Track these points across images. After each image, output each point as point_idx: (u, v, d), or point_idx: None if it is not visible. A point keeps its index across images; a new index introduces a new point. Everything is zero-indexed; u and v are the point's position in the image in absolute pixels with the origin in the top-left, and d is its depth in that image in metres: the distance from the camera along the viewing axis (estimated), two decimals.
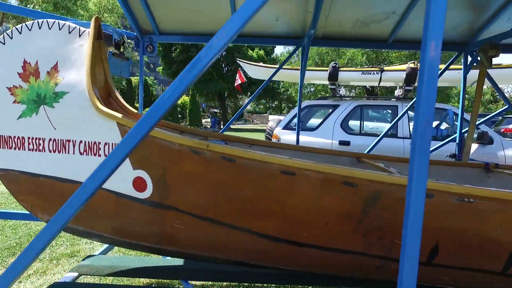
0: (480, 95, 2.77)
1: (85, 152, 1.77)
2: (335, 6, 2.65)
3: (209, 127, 25.35)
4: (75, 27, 1.79)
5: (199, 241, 1.82)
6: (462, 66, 3.11)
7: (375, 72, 5.76)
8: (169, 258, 2.38)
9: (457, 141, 3.31)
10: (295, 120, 6.14)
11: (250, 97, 3.23)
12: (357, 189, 1.56)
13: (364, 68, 5.87)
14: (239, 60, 6.39)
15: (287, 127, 6.10)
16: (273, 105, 34.71)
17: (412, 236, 0.80)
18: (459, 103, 2.82)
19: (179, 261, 2.20)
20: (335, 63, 5.85)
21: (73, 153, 1.76)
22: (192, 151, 1.62)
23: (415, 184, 0.80)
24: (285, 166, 1.59)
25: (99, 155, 1.75)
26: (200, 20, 2.86)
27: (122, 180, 1.73)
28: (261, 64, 6.72)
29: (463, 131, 3.30)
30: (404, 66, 5.52)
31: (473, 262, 1.58)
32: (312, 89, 24.65)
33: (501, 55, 2.67)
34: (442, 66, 3.69)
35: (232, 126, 28.15)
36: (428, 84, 0.73)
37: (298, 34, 3.02)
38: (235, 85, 6.59)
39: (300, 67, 3.17)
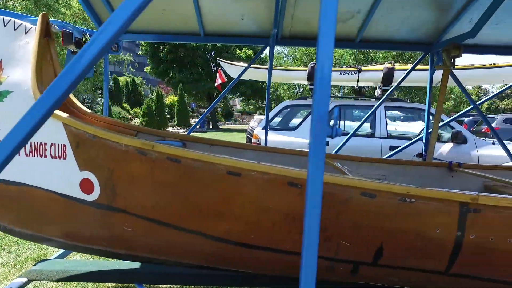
0: (443, 95, 2.79)
1: (30, 154, 1.72)
2: (300, 5, 2.64)
3: (198, 127, 25.20)
4: (21, 23, 1.74)
5: (150, 244, 1.79)
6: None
7: (353, 72, 5.79)
8: (126, 261, 2.34)
9: (423, 141, 3.34)
10: (275, 120, 6.13)
11: (217, 98, 3.19)
12: (302, 190, 1.55)
13: (342, 68, 5.89)
14: (219, 60, 6.36)
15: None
16: (263, 105, 34.77)
17: (310, 234, 0.78)
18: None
19: (136, 265, 2.16)
20: (313, 63, 5.86)
21: (19, 154, 1.71)
22: (139, 152, 1.59)
23: (310, 182, 0.79)
24: (231, 167, 1.57)
25: (45, 156, 1.70)
26: (165, 18, 2.82)
27: (69, 182, 1.69)
28: (241, 63, 6.69)
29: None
30: (381, 67, 5.57)
31: (418, 262, 1.58)
32: (301, 89, 24.75)
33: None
34: (409, 67, 3.75)
35: (221, 126, 28.06)
36: (321, 82, 0.72)
37: (266, 34, 3.01)
38: (216, 84, 6.54)
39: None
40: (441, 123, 5.09)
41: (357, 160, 2.67)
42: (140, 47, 23.92)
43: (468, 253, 1.49)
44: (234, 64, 6.29)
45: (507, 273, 1.51)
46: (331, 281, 1.81)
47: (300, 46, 3.19)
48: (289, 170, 1.56)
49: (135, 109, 25.11)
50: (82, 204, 1.69)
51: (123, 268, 2.10)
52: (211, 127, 26.01)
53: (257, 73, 6.46)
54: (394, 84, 5.57)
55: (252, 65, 7.07)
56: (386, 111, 5.65)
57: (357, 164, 2.66)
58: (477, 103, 3.17)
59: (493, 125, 12.27)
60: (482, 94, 34.92)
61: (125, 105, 26.32)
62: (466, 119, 15.76)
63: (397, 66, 5.88)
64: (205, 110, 33.41)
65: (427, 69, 5.50)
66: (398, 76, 5.72)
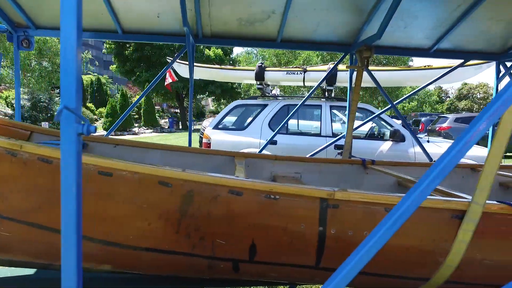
0: (357, 94, 2.88)
1: None
2: (214, 4, 2.64)
3: (166, 127, 24.74)
4: None
5: (30, 248, 1.71)
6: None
7: (298, 72, 5.88)
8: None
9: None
10: (226, 119, 6.12)
11: (138, 98, 3.12)
12: (172, 189, 1.54)
13: (288, 68, 5.97)
14: (169, 58, 6.24)
15: (217, 127, 6.06)
16: None
17: (67, 229, 0.76)
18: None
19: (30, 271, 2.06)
20: (261, 63, 5.90)
21: None
22: (8, 152, 1.52)
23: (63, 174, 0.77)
24: (102, 167, 1.53)
25: None
26: None
27: None
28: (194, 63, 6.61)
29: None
30: (325, 67, 5.70)
31: (289, 258, 1.61)
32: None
33: None
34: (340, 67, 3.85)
35: (194, 127, 27.62)
36: (65, 78, 0.70)
37: (184, 32, 2.98)
38: (165, 84, 6.42)
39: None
40: (380, 121, 5.27)
41: (272, 158, 2.70)
42: (105, 45, 23.11)
43: (332, 247, 1.53)
44: (183, 63, 6.21)
45: (369, 265, 1.56)
46: (216, 279, 1.81)
47: (220, 45, 3.19)
48: (160, 169, 1.54)
49: (100, 109, 24.21)
50: None
51: (13, 275, 2.00)
52: (180, 127, 25.59)
53: (207, 73, 6.41)
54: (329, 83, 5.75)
55: (197, 64, 7.03)
56: (331, 111, 5.77)
57: (271, 163, 2.69)
58: (394, 103, 3.31)
59: (445, 124, 12.90)
60: (443, 95, 36.78)
61: (90, 105, 25.33)
62: (423, 119, 16.53)
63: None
64: (176, 110, 32.87)
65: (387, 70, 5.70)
66: (342, 76, 5.87)
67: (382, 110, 3.79)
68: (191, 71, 3.04)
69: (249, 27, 2.91)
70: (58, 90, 16.21)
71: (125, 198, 1.56)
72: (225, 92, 25.67)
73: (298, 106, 3.69)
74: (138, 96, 26.59)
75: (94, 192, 1.53)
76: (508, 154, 12.54)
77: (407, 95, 4.02)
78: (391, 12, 2.41)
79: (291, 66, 6.22)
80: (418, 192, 1.03)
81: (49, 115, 14.96)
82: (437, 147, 5.16)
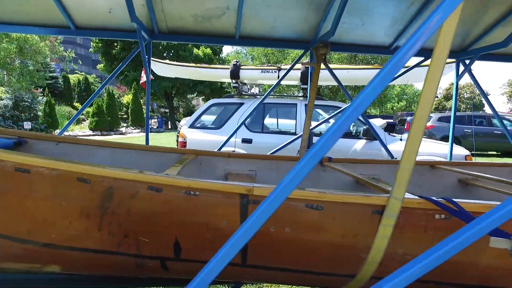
0: (314, 91, 2.87)
1: None
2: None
3: (155, 127, 24.55)
4: None
5: None
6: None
7: (273, 71, 5.87)
8: None
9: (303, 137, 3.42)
10: (202, 118, 6.08)
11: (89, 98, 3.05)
12: (91, 186, 1.49)
13: (262, 66, 5.96)
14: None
15: (193, 125, 6.02)
16: None
17: None
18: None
19: None
20: (236, 61, 5.86)
21: None
22: None
23: None
24: (18, 164, 1.48)
25: None
26: (26, 9, 2.65)
27: None
28: (167, 61, 6.55)
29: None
30: (299, 65, 5.69)
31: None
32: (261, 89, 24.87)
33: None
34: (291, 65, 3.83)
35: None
36: None
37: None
38: (140, 82, 6.34)
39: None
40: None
41: (225, 155, 2.67)
42: (91, 44, 22.83)
43: (255, 244, 1.50)
44: (158, 61, 6.14)
45: (294, 261, 1.54)
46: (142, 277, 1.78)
47: (178, 41, 3.14)
48: (78, 165, 1.50)
49: (88, 109, 23.92)
50: None
51: None
52: (169, 127, 25.42)
53: (183, 71, 6.35)
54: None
55: (171, 63, 6.96)
56: (305, 109, 5.77)
57: (225, 161, 2.66)
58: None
59: (429, 123, 13.05)
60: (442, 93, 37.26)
61: (77, 104, 25.01)
62: (408, 118, 16.67)
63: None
64: (166, 110, 32.67)
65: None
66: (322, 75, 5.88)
67: (346, 106, 3.79)
68: (146, 69, 2.99)
69: (206, 24, 2.87)
70: (41, 90, 15.90)
71: (44, 195, 1.51)
72: (214, 91, 25.57)
73: (257, 104, 3.68)
74: (127, 96, 26.09)
75: (11, 189, 1.49)
76: (490, 152, 12.75)
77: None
78: (341, 9, 2.40)
79: (266, 65, 6.20)
80: (285, 183, 1.01)
81: (32, 114, 14.70)
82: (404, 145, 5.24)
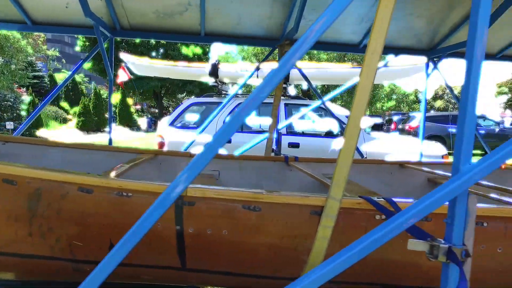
0: (280, 90, 2.83)
1: None
2: None
3: (144, 127, 24.27)
4: None
5: None
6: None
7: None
8: None
9: (275, 136, 3.39)
10: (181, 118, 6.00)
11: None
12: (18, 187, 1.42)
13: (241, 65, 5.90)
14: (123, 55, 6.08)
15: (172, 125, 5.93)
16: None
17: None
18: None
19: None
20: (217, 61, 5.79)
21: None
22: None
23: None
24: None
25: None
26: None
27: None
28: (146, 60, 6.45)
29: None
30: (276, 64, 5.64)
31: (153, 259, 1.52)
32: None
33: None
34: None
35: None
36: None
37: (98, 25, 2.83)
38: (118, 81, 6.24)
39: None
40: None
41: (186, 155, 2.60)
42: (78, 42, 22.46)
43: (193, 247, 1.45)
44: (135, 61, 6.04)
45: (234, 265, 1.49)
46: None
47: (142, 38, 3.07)
48: (2, 165, 1.42)
49: (74, 109, 23.55)
50: None
51: None
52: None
53: (161, 70, 6.25)
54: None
55: (154, 61, 6.85)
56: (286, 108, 5.73)
57: (186, 160, 2.59)
58: (324, 99, 3.28)
59: (415, 123, 13.14)
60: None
61: (64, 104, 24.57)
62: (395, 118, 16.79)
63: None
64: (156, 110, 32.36)
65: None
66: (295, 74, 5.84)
67: (315, 104, 3.76)
68: (107, 67, 2.90)
69: (169, 20, 2.80)
70: (24, 89, 15.57)
71: None
72: (204, 91, 25.33)
73: (225, 102, 3.62)
74: (115, 95, 25.78)
75: None
76: (474, 152, 12.88)
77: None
78: (302, 5, 2.35)
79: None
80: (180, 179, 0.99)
81: (15, 114, 14.38)
82: (381, 144, 5.27)
